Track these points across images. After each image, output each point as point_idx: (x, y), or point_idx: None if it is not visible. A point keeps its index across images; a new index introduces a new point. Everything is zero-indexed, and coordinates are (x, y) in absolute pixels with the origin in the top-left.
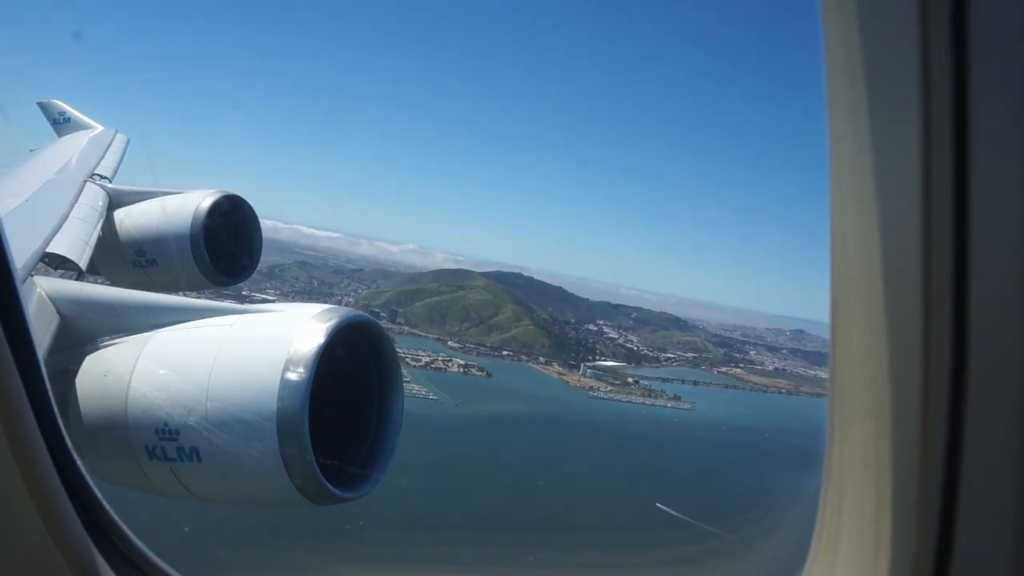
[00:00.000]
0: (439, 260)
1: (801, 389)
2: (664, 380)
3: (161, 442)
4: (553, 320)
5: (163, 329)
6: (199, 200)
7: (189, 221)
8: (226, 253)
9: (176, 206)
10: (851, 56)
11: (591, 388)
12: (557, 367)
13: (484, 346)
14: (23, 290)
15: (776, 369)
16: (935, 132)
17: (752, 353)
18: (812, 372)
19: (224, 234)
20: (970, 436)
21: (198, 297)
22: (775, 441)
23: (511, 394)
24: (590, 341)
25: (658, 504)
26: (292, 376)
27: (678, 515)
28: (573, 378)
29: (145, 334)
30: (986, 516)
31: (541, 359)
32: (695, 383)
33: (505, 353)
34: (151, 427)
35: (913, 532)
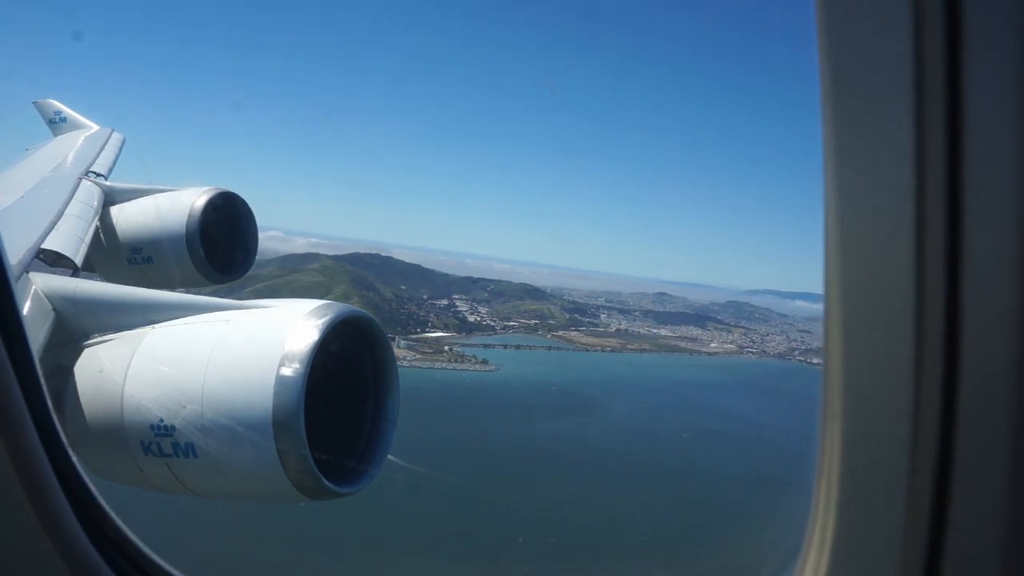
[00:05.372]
0: (300, 245)
1: (628, 347)
2: (486, 347)
3: (157, 438)
4: (395, 297)
5: (158, 325)
6: (194, 197)
7: (184, 218)
8: (221, 250)
9: (171, 203)
10: (844, 49)
11: (399, 358)
12: None
13: None
14: (18, 287)
15: (617, 330)
16: (928, 127)
17: (603, 316)
18: (655, 331)
19: (219, 231)
20: (962, 431)
21: (193, 293)
22: (562, 393)
23: None
24: (427, 315)
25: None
26: (287, 372)
27: (405, 464)
28: None
29: (140, 330)
30: (977, 512)
31: None
32: (517, 347)
33: None
34: (146, 423)
35: (904, 528)
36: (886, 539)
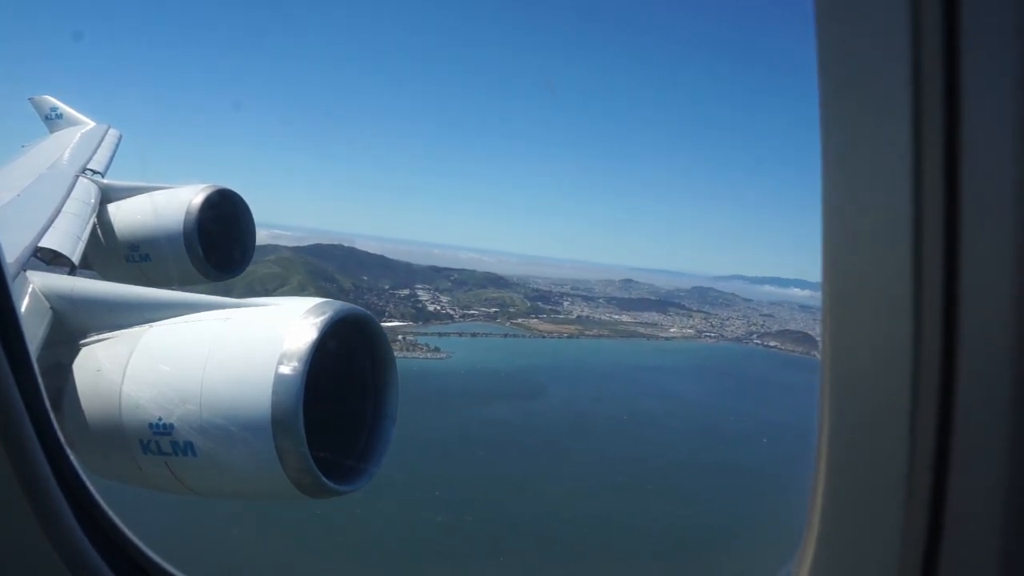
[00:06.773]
0: (262, 236)
1: (586, 333)
2: (441, 335)
3: (155, 437)
4: (355, 288)
5: (157, 324)
6: (191, 195)
7: (182, 216)
8: (219, 247)
9: (168, 201)
10: (842, 46)
11: None
12: None
13: None
14: (15, 285)
15: (578, 317)
16: (926, 126)
17: (566, 304)
18: (616, 317)
19: (217, 228)
20: (960, 429)
21: (191, 291)
22: (509, 380)
23: None
24: (386, 305)
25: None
26: (286, 370)
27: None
28: None
29: (138, 328)
30: (975, 510)
31: None
32: (473, 335)
33: None
34: (145, 422)
35: (902, 526)
36: (884, 537)
